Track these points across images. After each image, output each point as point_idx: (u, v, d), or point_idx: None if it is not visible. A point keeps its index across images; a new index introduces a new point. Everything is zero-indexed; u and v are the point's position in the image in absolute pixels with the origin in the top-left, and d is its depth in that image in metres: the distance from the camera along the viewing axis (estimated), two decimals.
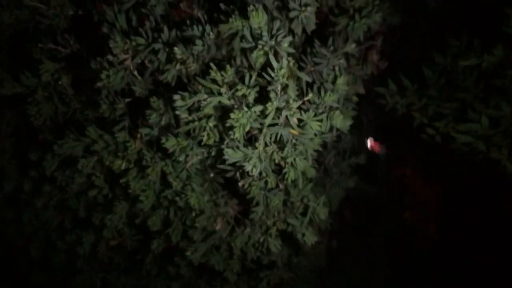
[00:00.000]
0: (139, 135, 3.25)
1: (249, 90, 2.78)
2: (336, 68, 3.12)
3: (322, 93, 2.99)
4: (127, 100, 3.28)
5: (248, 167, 2.88)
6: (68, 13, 3.34)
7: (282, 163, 2.94)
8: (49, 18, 3.36)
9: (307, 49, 3.09)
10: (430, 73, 3.58)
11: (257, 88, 2.82)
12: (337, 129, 3.24)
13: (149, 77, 3.10)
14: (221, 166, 3.16)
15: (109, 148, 3.35)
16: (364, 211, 4.26)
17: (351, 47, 3.20)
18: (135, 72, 3.05)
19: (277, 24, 2.74)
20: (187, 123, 3.00)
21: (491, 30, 3.26)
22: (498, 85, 3.26)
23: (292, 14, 2.85)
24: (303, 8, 2.81)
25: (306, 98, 3.00)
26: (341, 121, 3.06)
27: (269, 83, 2.82)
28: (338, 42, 3.19)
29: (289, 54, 2.80)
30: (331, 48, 3.14)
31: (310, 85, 3.05)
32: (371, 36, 3.75)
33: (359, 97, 3.64)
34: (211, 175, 3.31)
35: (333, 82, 3.08)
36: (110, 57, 2.95)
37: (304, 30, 3.00)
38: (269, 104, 2.77)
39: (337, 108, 3.07)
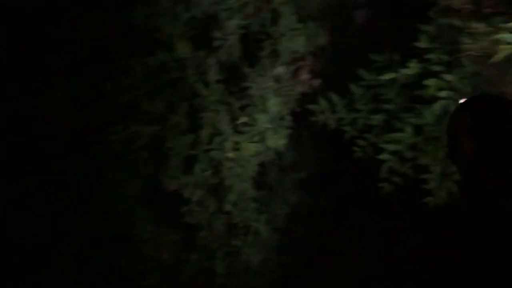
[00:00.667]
0: None
1: (181, 119, 2.86)
2: (266, 90, 3.25)
3: (255, 115, 3.12)
4: None
5: (186, 193, 2.95)
6: None
7: (220, 186, 3.03)
8: None
9: (236, 74, 3.21)
10: (356, 88, 3.79)
11: (188, 116, 2.91)
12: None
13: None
14: (161, 194, 3.21)
15: None
16: (313, 224, 4.37)
17: (279, 70, 3.35)
18: None
19: (201, 53, 2.85)
20: (124, 155, 3.04)
21: (408, 45, 3.51)
22: (419, 95, 3.50)
23: (215, 43, 2.97)
24: (227, 37, 2.95)
25: (238, 122, 3.11)
26: (274, 141, 3.20)
27: (201, 110, 2.92)
28: (266, 65, 3.34)
29: (218, 81, 2.92)
30: (260, 71, 3.28)
31: (242, 108, 3.17)
32: (300, 57, 3.93)
33: (298, 114, 3.80)
34: (153, 204, 3.34)
35: (264, 104, 3.21)
36: None
37: (232, 56, 3.13)
38: (202, 130, 2.86)
39: (269, 129, 3.20)
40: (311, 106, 3.92)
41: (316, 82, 4.33)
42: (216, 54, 2.95)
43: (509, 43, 2.48)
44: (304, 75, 4.17)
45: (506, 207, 1.30)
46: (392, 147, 3.46)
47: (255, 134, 3.08)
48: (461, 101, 1.54)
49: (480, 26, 2.80)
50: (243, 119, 3.07)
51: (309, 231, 4.37)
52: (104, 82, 2.83)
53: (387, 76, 3.49)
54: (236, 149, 3.01)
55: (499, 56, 2.64)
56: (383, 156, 3.47)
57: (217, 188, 3.07)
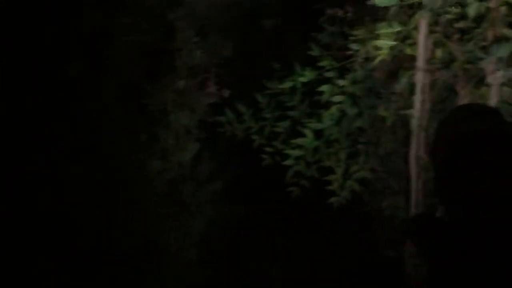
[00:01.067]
0: None
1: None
2: (167, 105, 3.26)
3: (156, 131, 3.11)
4: None
5: None
6: None
7: None
8: None
9: (135, 92, 3.19)
10: (261, 97, 3.88)
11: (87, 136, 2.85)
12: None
13: None
14: None
15: None
16: (231, 233, 4.40)
17: (179, 84, 3.37)
18: None
19: (96, 72, 2.81)
20: None
21: (303, 53, 3.65)
22: (318, 100, 3.65)
23: (112, 61, 2.94)
24: (124, 54, 2.93)
25: (141, 139, 3.09)
26: (180, 156, 3.20)
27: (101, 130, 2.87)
28: (165, 81, 3.35)
29: (117, 99, 2.88)
30: (160, 87, 3.28)
31: (143, 126, 3.15)
32: (204, 69, 3.97)
33: (209, 126, 3.83)
34: None
35: (165, 119, 3.21)
36: None
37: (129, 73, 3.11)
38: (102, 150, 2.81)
39: (173, 144, 3.20)
40: (218, 118, 3.98)
41: (226, 93, 4.41)
42: (114, 72, 2.92)
43: (385, 48, 2.65)
44: (211, 87, 4.22)
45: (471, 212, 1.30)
46: (296, 152, 3.57)
47: (158, 151, 3.07)
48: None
49: (362, 33, 2.97)
50: (144, 137, 3.05)
51: (227, 241, 4.40)
52: None
53: (286, 85, 3.61)
54: (140, 167, 2.98)
55: (377, 60, 2.81)
56: (288, 162, 3.57)
57: (126, 210, 3.02)
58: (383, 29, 2.63)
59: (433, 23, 2.90)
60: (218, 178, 4.31)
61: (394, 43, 2.59)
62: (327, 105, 3.59)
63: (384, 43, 2.60)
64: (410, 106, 3.24)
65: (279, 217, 4.37)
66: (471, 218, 1.27)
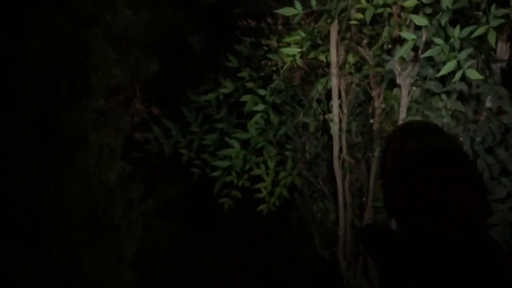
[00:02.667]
0: None
1: None
2: (86, 126, 3.19)
3: (74, 153, 3.03)
4: None
5: None
6: None
7: None
8: None
9: (50, 114, 3.10)
10: (188, 111, 3.88)
11: None
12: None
13: None
14: None
15: None
16: (165, 251, 4.34)
17: (99, 103, 3.31)
18: None
19: None
20: None
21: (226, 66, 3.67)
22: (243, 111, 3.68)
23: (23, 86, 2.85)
24: (35, 77, 2.84)
25: (58, 164, 3.00)
26: (104, 176, 3.14)
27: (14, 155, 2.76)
28: (83, 101, 3.27)
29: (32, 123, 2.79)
30: (78, 107, 3.21)
31: (60, 149, 3.06)
32: (127, 87, 3.93)
33: (138, 144, 3.79)
34: None
35: (84, 139, 3.14)
36: None
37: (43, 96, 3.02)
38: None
39: (96, 165, 3.13)
40: (145, 135, 3.94)
41: (155, 110, 4.37)
42: (26, 98, 2.83)
43: (295, 55, 2.71)
44: (137, 104, 4.18)
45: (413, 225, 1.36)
46: (225, 163, 3.59)
47: (77, 173, 2.99)
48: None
49: (275, 42, 3.04)
50: (62, 160, 2.97)
51: (162, 260, 4.34)
52: None
53: (210, 97, 3.63)
54: (58, 192, 2.89)
55: (286, 67, 2.89)
56: (216, 173, 3.58)
57: (45, 240, 2.91)
58: (291, 37, 2.70)
59: (344, 30, 3.01)
60: (150, 196, 4.25)
61: (302, 49, 2.65)
62: (252, 115, 3.63)
63: (293, 50, 2.67)
64: (329, 110, 3.34)
65: (214, 230, 4.36)
66: (420, 230, 1.35)
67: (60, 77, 3.23)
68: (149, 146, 3.88)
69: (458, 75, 2.45)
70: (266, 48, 3.17)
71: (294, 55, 2.67)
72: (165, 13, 4.00)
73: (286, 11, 2.59)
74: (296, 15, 2.60)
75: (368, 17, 2.43)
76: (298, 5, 2.56)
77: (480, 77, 2.49)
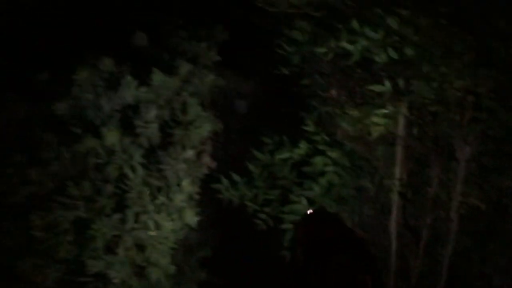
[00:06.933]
0: None
1: (107, 201, 3.03)
2: (179, 172, 3.57)
3: (171, 195, 3.39)
4: None
5: (111, 274, 3.04)
6: None
7: (144, 264, 3.17)
8: None
9: (154, 158, 3.50)
10: (254, 168, 4.28)
11: (114, 199, 3.09)
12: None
13: None
14: (82, 279, 3.23)
15: None
16: None
17: (188, 153, 3.71)
18: None
19: (127, 140, 3.12)
20: (42, 242, 3.06)
21: (296, 129, 4.14)
22: (307, 171, 4.10)
23: (138, 130, 3.27)
24: (147, 125, 3.27)
25: (157, 202, 3.35)
26: (191, 218, 3.48)
27: (125, 192, 3.12)
28: (177, 150, 3.68)
29: (141, 164, 3.17)
30: (173, 155, 3.61)
31: (159, 189, 3.43)
32: (201, 142, 4.35)
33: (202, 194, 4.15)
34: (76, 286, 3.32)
35: (178, 184, 3.51)
36: None
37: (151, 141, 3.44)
38: (128, 210, 3.04)
39: (185, 207, 3.48)
40: (215, 185, 4.30)
41: (213, 164, 4.78)
42: (139, 140, 3.22)
43: (379, 125, 3.18)
44: (205, 158, 4.58)
45: None
46: (291, 217, 3.94)
47: (173, 212, 3.33)
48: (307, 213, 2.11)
49: (354, 113, 3.53)
50: (162, 199, 3.31)
51: None
52: (29, 169, 2.90)
53: (283, 156, 4.05)
54: (158, 228, 3.21)
55: (374, 135, 3.35)
56: (285, 226, 3.91)
57: (139, 267, 3.19)
58: (377, 109, 3.19)
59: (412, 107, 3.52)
60: (209, 244, 4.51)
61: (388, 120, 3.13)
62: (314, 175, 4.03)
63: (381, 120, 3.14)
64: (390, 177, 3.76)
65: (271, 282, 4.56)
66: None
67: (162, 127, 3.65)
68: (220, 196, 4.22)
69: None
70: (344, 117, 3.64)
71: (383, 124, 3.14)
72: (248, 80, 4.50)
73: (376, 87, 3.10)
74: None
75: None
76: (387, 84, 3.07)
77: None
